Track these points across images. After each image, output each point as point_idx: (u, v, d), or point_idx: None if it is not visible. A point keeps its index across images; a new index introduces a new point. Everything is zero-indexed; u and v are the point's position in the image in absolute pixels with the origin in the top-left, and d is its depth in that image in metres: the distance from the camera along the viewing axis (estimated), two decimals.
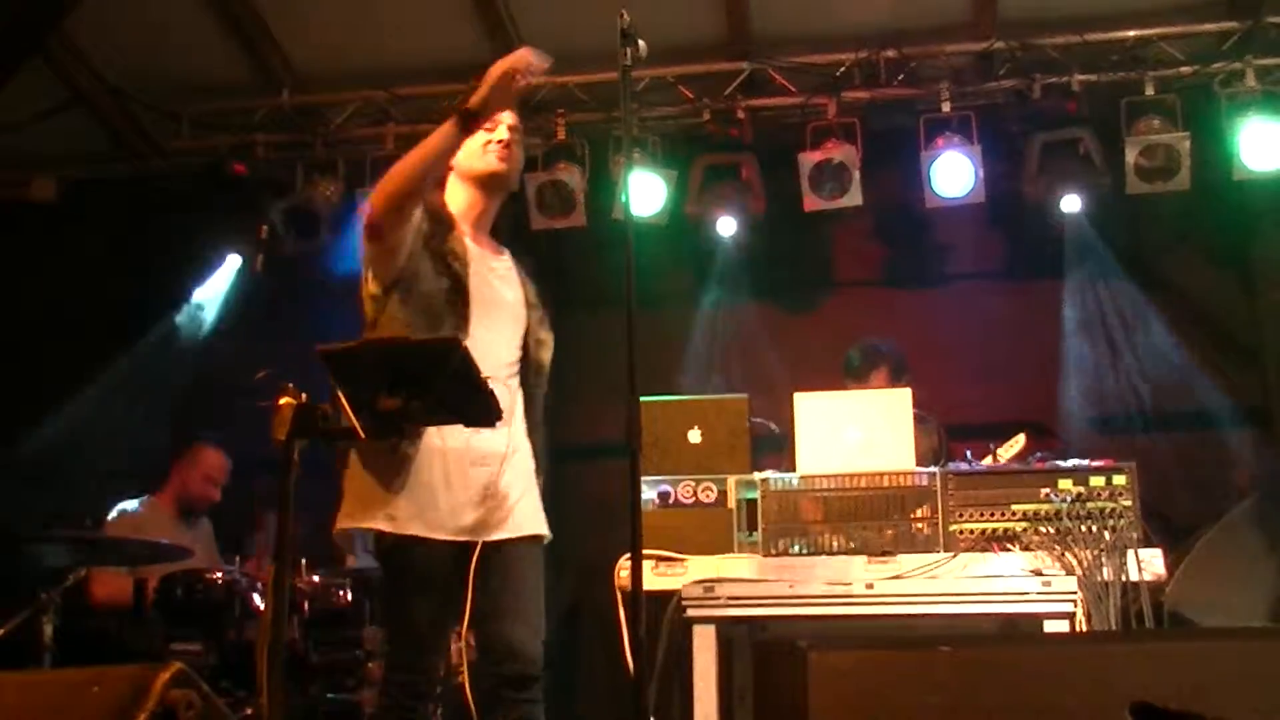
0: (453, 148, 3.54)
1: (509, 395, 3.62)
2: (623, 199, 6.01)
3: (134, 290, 7.14)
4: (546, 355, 3.80)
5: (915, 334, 6.16)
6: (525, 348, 3.74)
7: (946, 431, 5.57)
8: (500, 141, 3.74)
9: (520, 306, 3.78)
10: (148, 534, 5.49)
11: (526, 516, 3.62)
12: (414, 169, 3.50)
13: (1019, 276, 7.12)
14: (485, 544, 3.52)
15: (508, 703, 3.43)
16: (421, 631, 3.50)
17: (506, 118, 3.76)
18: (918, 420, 4.71)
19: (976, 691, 2.36)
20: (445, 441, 3.51)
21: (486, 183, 3.77)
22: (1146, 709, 2.24)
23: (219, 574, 5.31)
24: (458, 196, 3.80)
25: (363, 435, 2.99)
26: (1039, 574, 4.12)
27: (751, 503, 4.43)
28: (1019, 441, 4.84)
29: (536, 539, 3.65)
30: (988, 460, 4.74)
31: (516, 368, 3.72)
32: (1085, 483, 4.23)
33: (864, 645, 2.64)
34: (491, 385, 3.27)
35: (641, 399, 4.55)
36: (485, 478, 3.54)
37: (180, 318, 7.29)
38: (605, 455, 6.47)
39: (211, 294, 7.26)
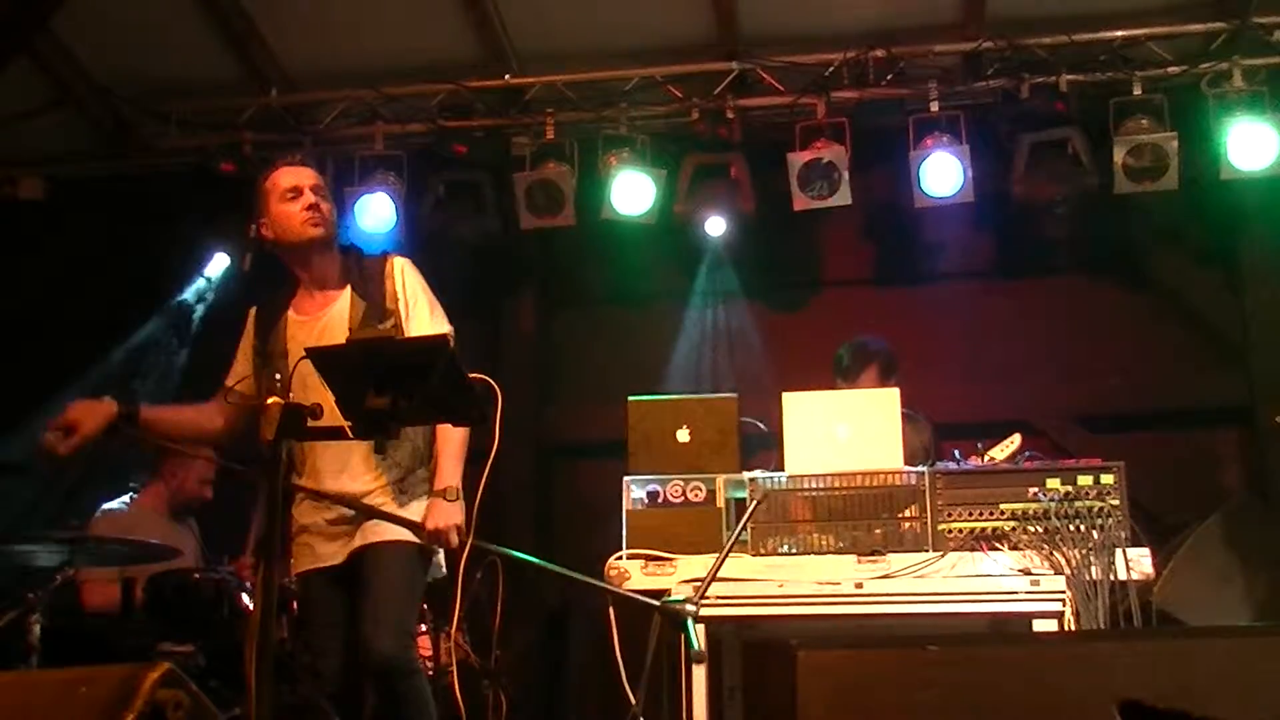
0: None
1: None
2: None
3: (122, 289, 7.12)
4: None
5: (904, 333, 6.15)
6: None
7: (936, 430, 5.57)
8: (310, 206, 4.00)
9: None
10: (136, 534, 5.47)
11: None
12: None
13: (1008, 276, 7.13)
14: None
15: None
16: None
17: (307, 180, 4.04)
18: (907, 419, 4.71)
19: (965, 690, 2.36)
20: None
21: (308, 247, 4.04)
22: (1135, 707, 2.25)
23: (208, 574, 5.29)
24: (290, 264, 4.11)
25: (351, 435, 2.99)
26: (1027, 573, 4.12)
27: (741, 502, 4.42)
28: (1014, 442, 4.83)
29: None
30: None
31: None
32: (1073, 482, 4.22)
33: (853, 644, 2.64)
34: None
35: (630, 398, 4.60)
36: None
37: (168, 316, 7.27)
38: (594, 454, 6.52)
39: (199, 293, 7.24)
